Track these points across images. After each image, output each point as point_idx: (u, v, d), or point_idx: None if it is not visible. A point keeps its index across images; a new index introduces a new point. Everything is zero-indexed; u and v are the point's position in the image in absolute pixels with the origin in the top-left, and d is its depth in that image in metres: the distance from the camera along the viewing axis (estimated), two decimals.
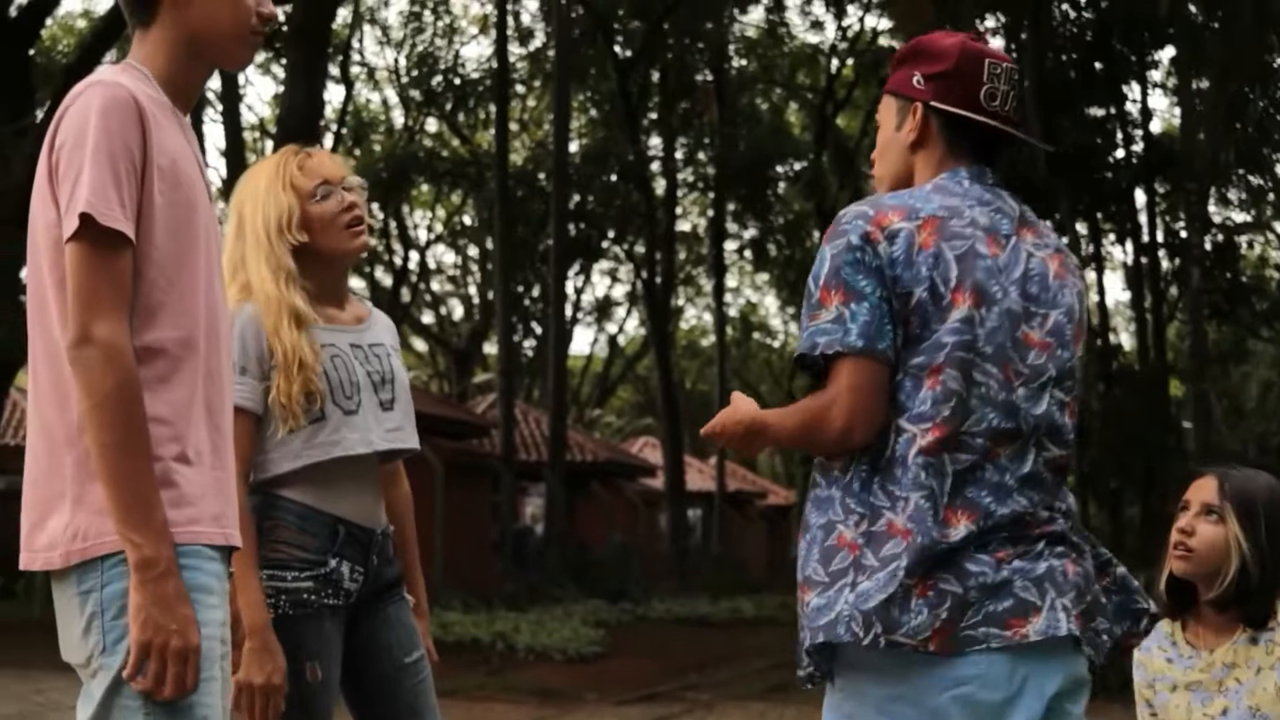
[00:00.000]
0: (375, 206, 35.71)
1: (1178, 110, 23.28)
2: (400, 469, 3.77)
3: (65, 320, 2.43)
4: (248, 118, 33.84)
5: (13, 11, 21.61)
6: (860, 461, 2.63)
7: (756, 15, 31.95)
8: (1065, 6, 25.52)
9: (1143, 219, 27.45)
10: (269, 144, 32.77)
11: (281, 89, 23.61)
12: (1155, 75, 27.91)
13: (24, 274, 19.86)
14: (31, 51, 22.68)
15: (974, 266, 2.63)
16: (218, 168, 29.88)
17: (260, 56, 31.58)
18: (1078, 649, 2.61)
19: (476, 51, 68.26)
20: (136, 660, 2.35)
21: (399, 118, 37.58)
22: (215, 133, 36.24)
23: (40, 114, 20.68)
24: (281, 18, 22.14)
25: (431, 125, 37.16)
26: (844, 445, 2.62)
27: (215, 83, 23.66)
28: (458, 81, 33.32)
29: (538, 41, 31.95)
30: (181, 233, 2.53)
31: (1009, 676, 2.52)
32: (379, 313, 3.76)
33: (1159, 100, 33.76)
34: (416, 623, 3.68)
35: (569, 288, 34.47)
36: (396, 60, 35.74)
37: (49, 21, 25.71)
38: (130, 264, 2.43)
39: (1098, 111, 26.49)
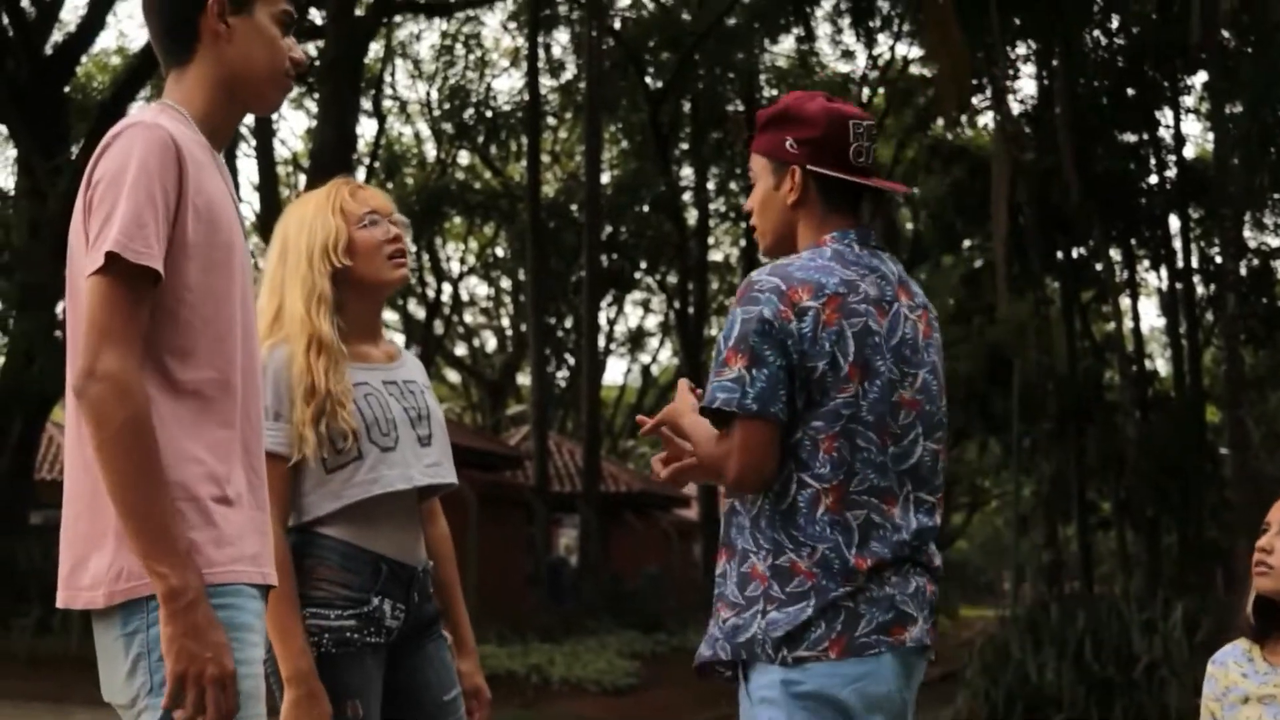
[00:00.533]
0: (408, 239, 35.75)
1: (1211, 135, 23.15)
2: (437, 507, 3.76)
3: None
4: (280, 153, 34.03)
5: (48, 49, 21.82)
6: (765, 501, 2.98)
7: (787, 45, 31.97)
8: (1097, 33, 25.47)
9: (1177, 245, 27.29)
10: (302, 179, 32.94)
11: (314, 124, 23.74)
12: (1188, 100, 27.76)
13: (60, 308, 19.96)
14: (66, 89, 22.87)
15: (865, 343, 2.97)
16: (251, 203, 30.05)
17: (293, 91, 31.79)
18: (927, 653, 3.08)
19: (508, 84, 68.61)
20: (173, 691, 2.35)
21: (431, 151, 37.75)
22: (248, 168, 36.51)
23: (75, 150, 20.85)
24: (314, 52, 22.29)
25: (464, 158, 37.33)
26: (737, 491, 3.01)
27: (249, 118, 23.82)
28: (489, 114, 33.44)
29: (569, 74, 32.04)
30: (219, 273, 2.54)
31: (894, 673, 2.96)
32: (409, 352, 3.77)
33: (1192, 126, 33.74)
34: (464, 661, 3.68)
35: (602, 318, 34.51)
36: (428, 93, 35.92)
37: (83, 59, 25.91)
38: (150, 302, 2.43)
39: (1130, 137, 26.40)
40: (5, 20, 20.65)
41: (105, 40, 57.88)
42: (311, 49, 22.32)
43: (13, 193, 26.04)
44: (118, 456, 2.38)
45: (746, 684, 2.98)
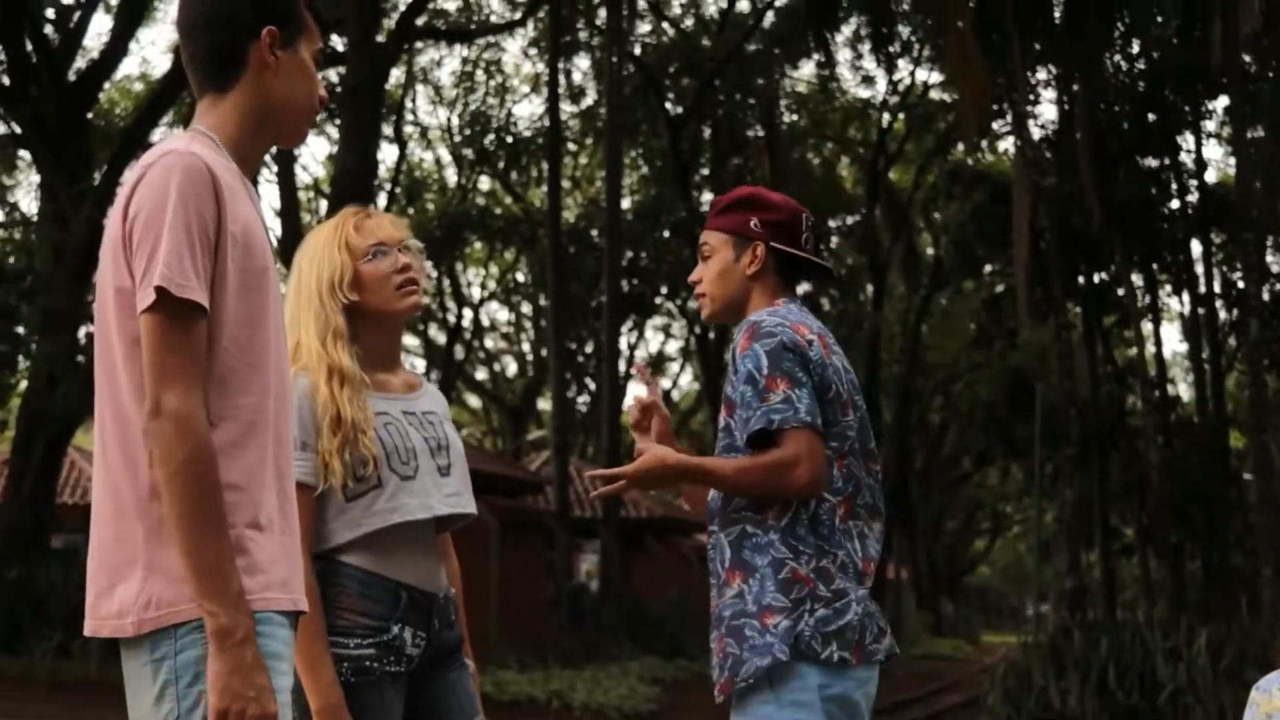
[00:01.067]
0: (429, 265, 35.85)
1: (1233, 160, 23.11)
2: (449, 541, 3.74)
3: (137, 389, 2.45)
4: (302, 178, 34.17)
5: (71, 76, 21.94)
6: (799, 513, 3.34)
7: (807, 71, 32.04)
8: (1118, 58, 25.45)
9: (1199, 270, 27.22)
10: (323, 204, 33.05)
11: (335, 149, 23.82)
12: (1210, 125, 27.77)
13: (82, 333, 19.96)
14: (90, 115, 23.00)
15: (845, 379, 3.49)
16: (273, 229, 30.14)
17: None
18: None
19: (529, 110, 68.86)
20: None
21: (452, 176, 37.87)
22: (270, 193, 36.59)
23: (98, 176, 20.95)
24: (335, 79, 22.39)
25: (484, 183, 37.43)
26: (802, 496, 3.33)
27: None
28: (510, 140, 33.53)
29: (589, 99, 32.14)
30: (254, 301, 2.56)
31: (876, 679, 3.44)
32: (429, 383, 3.77)
33: (1214, 150, 33.58)
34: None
35: (622, 343, 34.53)
36: (449, 119, 36.03)
37: (106, 85, 26.05)
38: (204, 334, 2.45)
39: (1152, 162, 26.36)
40: (29, 47, 20.77)
41: (128, 67, 58.11)
42: (333, 75, 22.41)
43: (36, 218, 26.19)
44: (181, 493, 2.39)
45: (774, 690, 3.27)
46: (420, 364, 39.47)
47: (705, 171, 32.90)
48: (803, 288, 3.79)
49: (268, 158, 25.95)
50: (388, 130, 31.56)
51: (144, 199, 2.47)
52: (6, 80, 21.61)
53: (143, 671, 2.45)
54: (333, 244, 3.54)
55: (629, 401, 3.70)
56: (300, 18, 2.69)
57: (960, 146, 28.10)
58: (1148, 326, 29.00)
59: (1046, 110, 38.08)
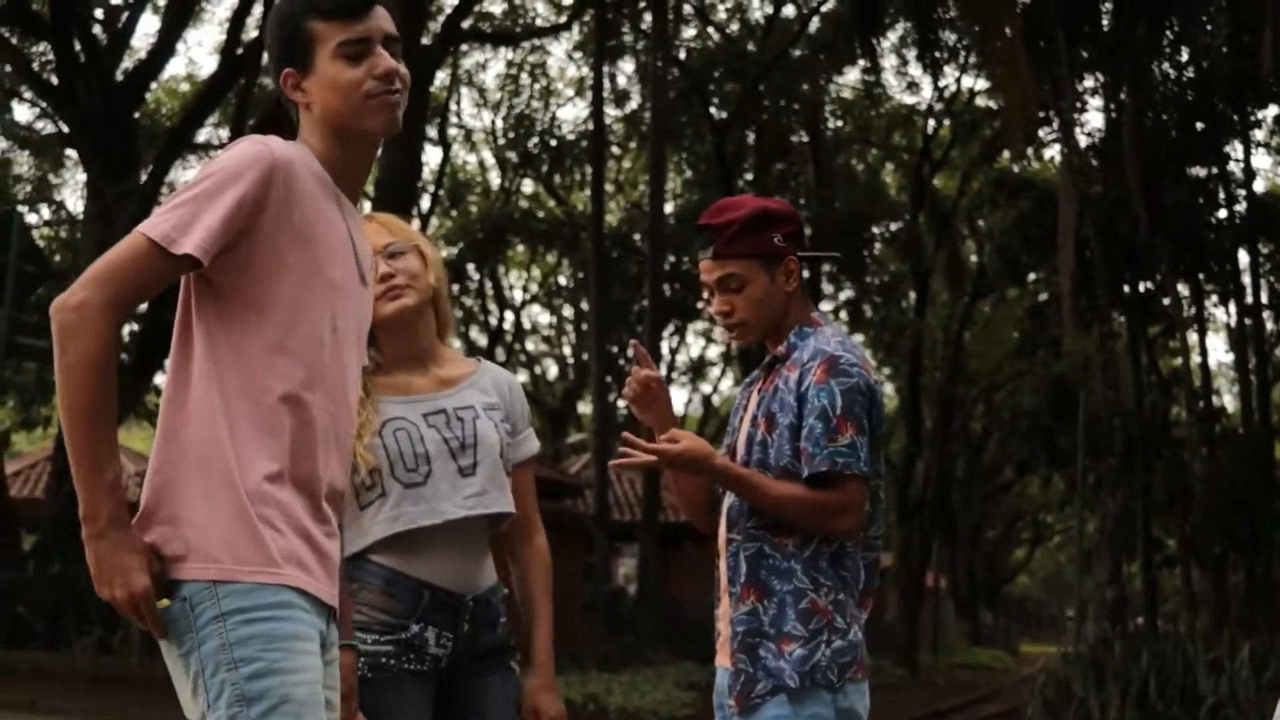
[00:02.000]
0: (471, 267, 36.01)
1: None
2: (529, 522, 3.73)
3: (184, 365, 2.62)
4: None
5: (118, 76, 22.08)
6: (823, 546, 3.43)
7: (852, 76, 31.93)
8: (1166, 65, 25.29)
9: (1246, 279, 27.03)
10: (367, 205, 33.17)
11: (380, 151, 23.91)
12: (1258, 134, 27.55)
13: (126, 331, 20.03)
14: (136, 115, 23.14)
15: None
16: None
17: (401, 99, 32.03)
18: None
19: (573, 113, 68.96)
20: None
21: (495, 179, 37.92)
22: None
23: (144, 176, 21.07)
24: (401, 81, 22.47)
25: (528, 186, 37.47)
26: (842, 538, 3.44)
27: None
28: (554, 143, 33.57)
29: (633, 103, 32.14)
30: (305, 293, 2.64)
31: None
32: (486, 370, 3.75)
33: (1262, 159, 33.33)
34: (530, 678, 3.65)
35: (664, 348, 34.51)
36: (493, 122, 36.09)
37: (153, 86, 26.21)
38: (162, 277, 2.55)
39: (1199, 171, 26.20)
40: (77, 47, 20.91)
41: (175, 67, 58.49)
42: None
43: (81, 217, 26.37)
44: (67, 385, 2.49)
45: (793, 704, 3.37)
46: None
47: (749, 176, 32.84)
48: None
49: None
50: (432, 133, 31.66)
51: (206, 167, 2.64)
52: (55, 79, 21.78)
53: (177, 667, 2.55)
54: None
55: (628, 382, 3.78)
56: (306, 42, 2.75)
57: (1006, 153, 27.95)
58: (1193, 336, 28.81)
59: (1093, 118, 38.05)
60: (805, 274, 3.69)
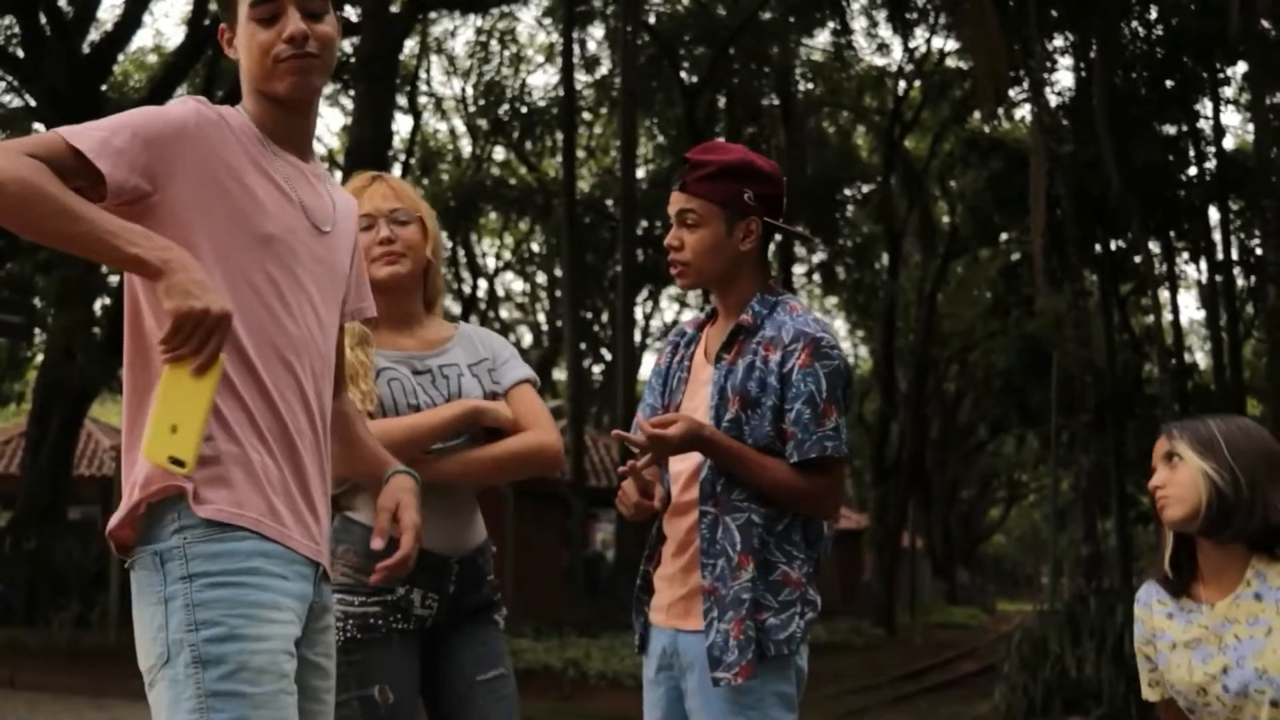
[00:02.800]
0: (443, 235, 35.89)
1: (1251, 126, 22.98)
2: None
3: (138, 345, 2.62)
4: (317, 149, 34.09)
5: (85, 49, 21.94)
6: (796, 519, 3.48)
7: (822, 39, 31.86)
8: (1135, 24, 25.29)
9: (1217, 237, 27.11)
10: (338, 175, 33.03)
11: (350, 120, 23.78)
12: (1228, 91, 27.56)
13: (97, 305, 20.02)
14: (104, 88, 22.99)
15: None
16: None
17: (329, 89, 31.87)
18: None
19: (543, 80, 68.51)
20: (172, 331, 2.42)
21: (467, 147, 37.82)
22: None
23: None
24: (349, 49, 22.33)
25: (499, 154, 37.38)
26: (822, 520, 3.54)
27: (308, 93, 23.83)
28: (525, 110, 33.47)
29: (604, 69, 32.03)
30: (232, 240, 2.63)
31: None
32: (469, 331, 3.81)
33: (1232, 116, 33.33)
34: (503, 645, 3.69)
35: (638, 313, 34.54)
36: (464, 90, 35.98)
37: (120, 58, 26.04)
38: (77, 172, 2.49)
39: (1170, 129, 26.20)
40: (43, 20, 20.76)
41: (142, 39, 58.18)
42: (347, 46, 22.37)
43: None
44: (18, 212, 2.42)
45: (768, 675, 3.42)
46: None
47: (720, 141, 32.79)
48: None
49: None
50: (402, 101, 31.53)
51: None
52: (20, 53, 21.63)
53: (142, 613, 2.56)
54: None
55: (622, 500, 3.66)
56: (231, 1, 2.79)
57: (976, 114, 27.95)
58: (1165, 294, 28.88)
59: (1063, 77, 37.99)
60: (772, 244, 3.66)
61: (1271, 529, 3.13)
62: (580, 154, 33.39)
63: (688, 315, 45.84)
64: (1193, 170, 26.80)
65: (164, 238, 2.46)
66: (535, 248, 40.55)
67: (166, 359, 2.41)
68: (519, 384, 3.73)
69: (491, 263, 41.58)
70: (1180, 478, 3.19)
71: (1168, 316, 28.13)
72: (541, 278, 42.58)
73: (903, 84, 32.66)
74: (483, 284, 40.43)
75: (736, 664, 3.38)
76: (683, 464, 3.58)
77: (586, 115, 34.42)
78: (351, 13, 21.69)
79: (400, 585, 3.45)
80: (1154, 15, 25.39)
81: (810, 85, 33.87)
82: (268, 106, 2.78)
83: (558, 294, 38.19)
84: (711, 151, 3.58)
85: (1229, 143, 28.80)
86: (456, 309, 39.03)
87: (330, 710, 2.77)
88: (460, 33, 39.51)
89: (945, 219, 37.04)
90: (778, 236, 3.75)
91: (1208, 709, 3.19)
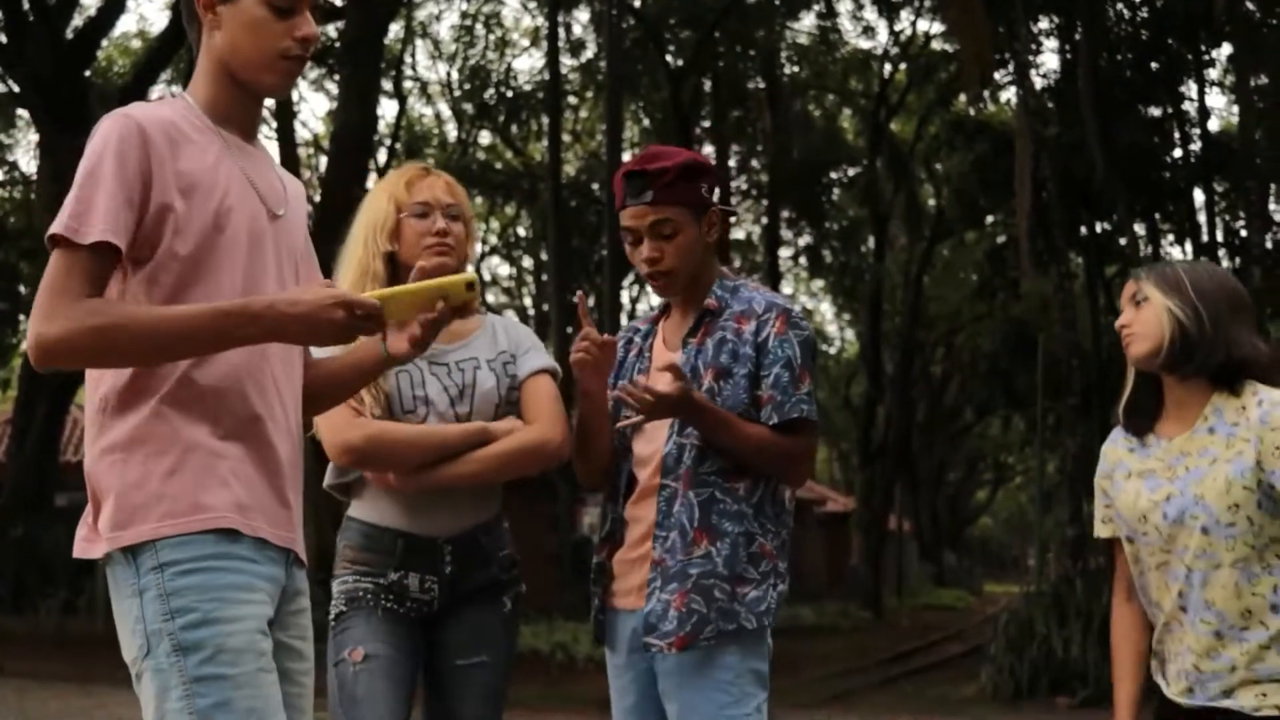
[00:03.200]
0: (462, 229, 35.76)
1: (1235, 108, 23.03)
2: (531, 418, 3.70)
3: None
4: (302, 134, 34.04)
5: (69, 34, 21.85)
6: (767, 490, 3.53)
7: (808, 22, 31.83)
8: (1120, 6, 25.30)
9: (1202, 218, 27.14)
10: (323, 160, 32.97)
11: (335, 105, 23.73)
12: (1212, 73, 27.59)
13: None
14: (88, 73, 22.91)
15: None
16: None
17: (313, 74, 31.78)
18: None
19: (528, 64, 68.30)
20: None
21: (452, 131, 37.70)
22: (269, 149, 36.52)
23: None
24: (334, 34, 22.28)
25: (485, 138, 37.28)
26: (794, 485, 3.63)
27: (269, 100, 23.79)
28: (510, 94, 33.38)
29: (589, 53, 31.98)
30: (209, 245, 2.62)
31: None
32: (495, 323, 3.86)
33: (1217, 98, 33.36)
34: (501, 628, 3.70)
35: (624, 297, 34.50)
36: (449, 74, 35.87)
37: (104, 43, 25.94)
38: (98, 270, 2.52)
39: (1154, 111, 26.23)
40: (26, 6, 20.67)
41: (126, 24, 57.93)
42: (331, 30, 22.32)
43: (35, 177, 26.13)
44: (116, 355, 2.51)
45: (740, 650, 3.46)
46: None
47: (706, 124, 32.78)
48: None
49: (266, 114, 25.90)
50: (387, 85, 31.44)
51: (83, 159, 2.58)
52: (4, 38, 21.52)
53: (121, 609, 2.57)
54: (383, 194, 3.69)
55: (580, 344, 3.56)
56: None
57: (962, 97, 27.96)
58: None
59: (1048, 60, 37.92)
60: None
61: (1232, 363, 3.19)
62: (566, 138, 33.34)
63: None
64: (1178, 152, 26.83)
65: (243, 306, 2.52)
66: (521, 232, 40.50)
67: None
68: (535, 374, 3.73)
69: (478, 247, 41.51)
70: (1146, 316, 3.26)
71: None
72: (528, 262, 42.53)
73: (888, 67, 32.66)
74: (469, 268, 40.34)
75: (673, 634, 3.43)
76: (650, 447, 3.59)
77: (572, 99, 34.37)
78: None
79: (393, 571, 3.50)
80: None
81: (796, 68, 33.85)
82: (233, 93, 2.73)
83: (544, 278, 38.16)
84: (659, 159, 3.58)
85: (1214, 125, 28.81)
86: None
87: (308, 691, 2.78)
88: (445, 17, 39.65)
89: (931, 202, 37.06)
90: (732, 219, 3.81)
91: (1145, 538, 3.26)
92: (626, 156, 30.36)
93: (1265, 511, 3.11)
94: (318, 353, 3.03)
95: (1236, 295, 3.25)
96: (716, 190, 3.68)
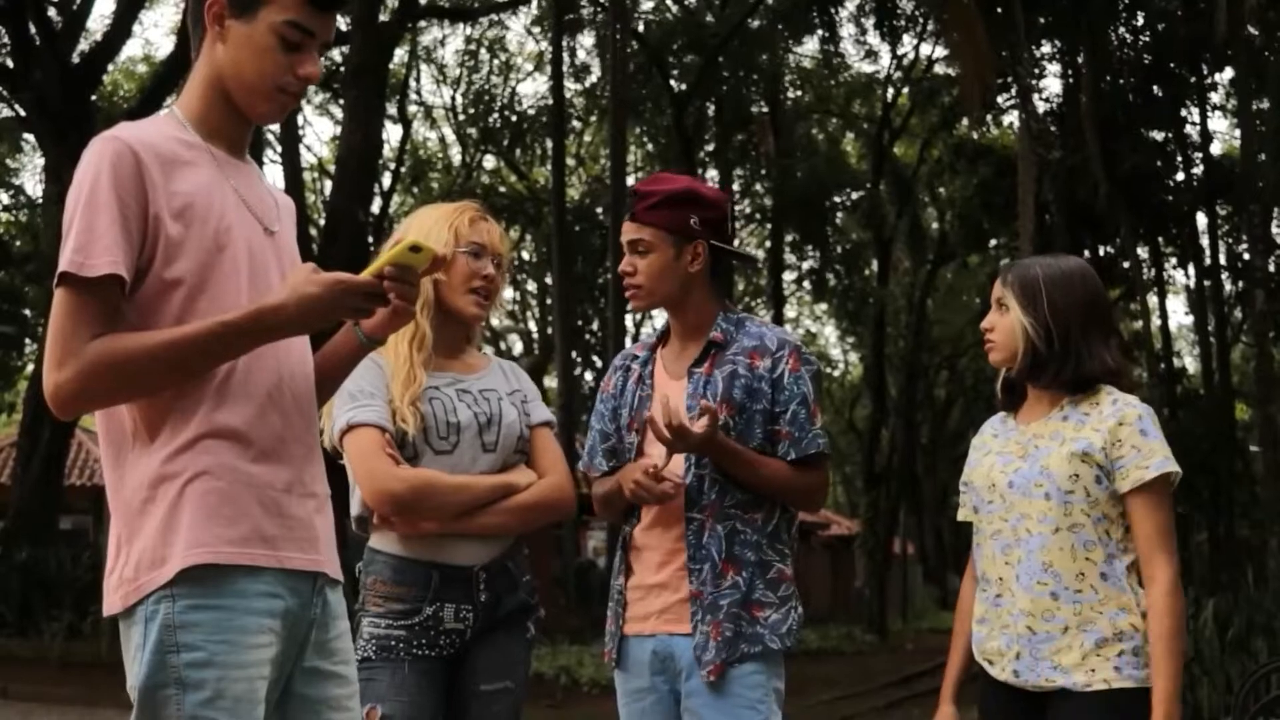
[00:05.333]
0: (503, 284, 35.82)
1: (1238, 132, 23.05)
2: (544, 469, 3.77)
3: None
4: (306, 158, 34.11)
5: (75, 59, 21.93)
6: (781, 520, 3.71)
7: (811, 46, 31.91)
8: (1122, 30, 25.37)
9: (1204, 242, 27.20)
10: (328, 184, 33.04)
11: (340, 129, 23.79)
12: (1215, 97, 27.67)
13: None
14: (93, 97, 22.99)
15: None
16: None
17: (318, 97, 31.88)
18: None
19: (532, 88, 68.55)
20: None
21: (456, 155, 37.82)
22: (274, 173, 36.60)
23: None
24: (339, 58, 22.35)
25: (489, 162, 37.37)
26: (807, 511, 3.90)
27: (275, 124, 23.80)
28: (514, 118, 33.48)
29: (593, 77, 32.05)
30: (209, 266, 2.58)
31: None
32: (502, 363, 3.91)
33: (1219, 122, 33.52)
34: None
35: (628, 321, 34.53)
36: (453, 98, 35.97)
37: (110, 68, 26.03)
38: (108, 303, 2.48)
39: (1157, 135, 26.30)
40: (32, 30, 20.75)
41: (131, 49, 58.00)
42: (336, 55, 22.38)
43: (40, 201, 26.18)
44: (132, 388, 2.49)
45: (766, 670, 3.61)
46: None
47: (710, 148, 32.86)
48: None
49: (271, 138, 25.99)
50: (392, 110, 31.52)
51: (73, 185, 2.54)
52: (10, 63, 21.63)
53: (127, 631, 2.55)
54: (444, 222, 3.70)
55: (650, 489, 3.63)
56: None
57: (965, 120, 28.04)
58: (1153, 299, 28.98)
59: (1051, 84, 37.96)
60: (723, 263, 3.88)
61: (1080, 376, 3.40)
62: (570, 162, 33.41)
63: None
64: (1180, 176, 26.90)
65: (253, 311, 2.51)
66: (526, 255, 40.55)
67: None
68: (541, 426, 3.82)
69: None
70: (1004, 325, 3.48)
71: (1156, 321, 28.23)
72: (532, 286, 42.57)
73: (891, 91, 32.72)
74: None
75: (711, 662, 3.57)
76: (683, 479, 3.69)
77: (576, 123, 34.44)
78: (341, 21, 21.66)
79: (428, 605, 3.51)
80: (1141, 21, 25.48)
81: (799, 92, 33.93)
82: (224, 110, 2.68)
83: (548, 302, 38.20)
84: (658, 183, 3.79)
85: (1216, 148, 28.93)
86: None
87: (356, 716, 2.76)
88: (450, 41, 39.60)
89: (934, 225, 37.08)
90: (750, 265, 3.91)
91: (989, 506, 3.49)
92: (630, 180, 30.42)
93: (1102, 489, 3.34)
94: None
95: (1092, 306, 3.45)
96: (712, 225, 3.78)
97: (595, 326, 35.80)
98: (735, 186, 34.26)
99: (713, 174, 33.71)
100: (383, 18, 21.22)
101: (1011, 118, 28.11)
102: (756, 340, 3.75)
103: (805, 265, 37.50)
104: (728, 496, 3.64)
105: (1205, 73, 25.93)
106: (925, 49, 31.47)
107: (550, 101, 27.92)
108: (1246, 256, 24.50)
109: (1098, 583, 3.30)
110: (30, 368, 23.55)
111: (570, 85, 30.63)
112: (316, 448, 2.77)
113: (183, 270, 2.54)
